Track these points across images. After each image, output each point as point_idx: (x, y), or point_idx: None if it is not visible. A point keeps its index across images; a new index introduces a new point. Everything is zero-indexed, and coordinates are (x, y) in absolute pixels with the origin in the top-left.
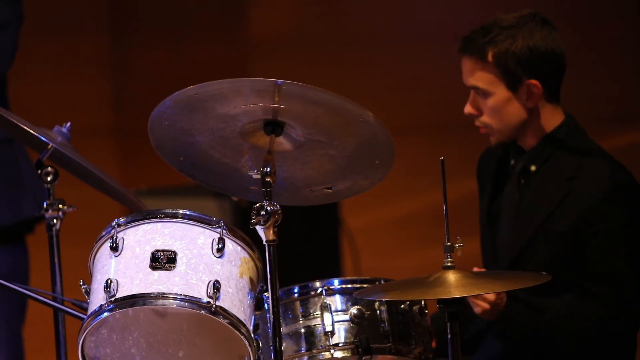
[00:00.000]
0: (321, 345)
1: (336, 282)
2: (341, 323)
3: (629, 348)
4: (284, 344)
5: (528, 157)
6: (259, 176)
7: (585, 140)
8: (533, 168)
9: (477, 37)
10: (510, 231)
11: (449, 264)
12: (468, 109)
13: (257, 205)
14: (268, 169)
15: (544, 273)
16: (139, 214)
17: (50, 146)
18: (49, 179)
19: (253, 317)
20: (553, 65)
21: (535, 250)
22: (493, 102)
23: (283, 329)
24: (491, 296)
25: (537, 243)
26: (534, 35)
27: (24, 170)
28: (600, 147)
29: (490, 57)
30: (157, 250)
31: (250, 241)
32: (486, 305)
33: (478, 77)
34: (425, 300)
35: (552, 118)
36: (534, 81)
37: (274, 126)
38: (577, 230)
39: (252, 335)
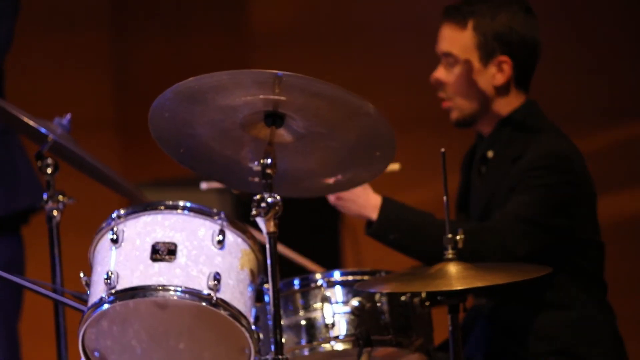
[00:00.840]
0: (322, 337)
1: (337, 274)
2: (342, 315)
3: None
4: (284, 336)
5: (486, 144)
6: (259, 168)
7: (540, 123)
8: (490, 154)
9: (461, 6)
10: (475, 219)
11: (450, 255)
12: (436, 74)
13: (258, 197)
14: (269, 161)
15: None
16: (139, 206)
17: (50, 138)
18: (49, 170)
19: (253, 309)
20: (528, 51)
21: None
22: (462, 70)
23: (283, 321)
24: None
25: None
26: (516, 17)
27: (19, 162)
28: (555, 127)
29: (470, 26)
30: (157, 242)
31: (251, 233)
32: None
33: (453, 43)
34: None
35: (513, 103)
36: (506, 58)
37: (274, 118)
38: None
39: (253, 327)
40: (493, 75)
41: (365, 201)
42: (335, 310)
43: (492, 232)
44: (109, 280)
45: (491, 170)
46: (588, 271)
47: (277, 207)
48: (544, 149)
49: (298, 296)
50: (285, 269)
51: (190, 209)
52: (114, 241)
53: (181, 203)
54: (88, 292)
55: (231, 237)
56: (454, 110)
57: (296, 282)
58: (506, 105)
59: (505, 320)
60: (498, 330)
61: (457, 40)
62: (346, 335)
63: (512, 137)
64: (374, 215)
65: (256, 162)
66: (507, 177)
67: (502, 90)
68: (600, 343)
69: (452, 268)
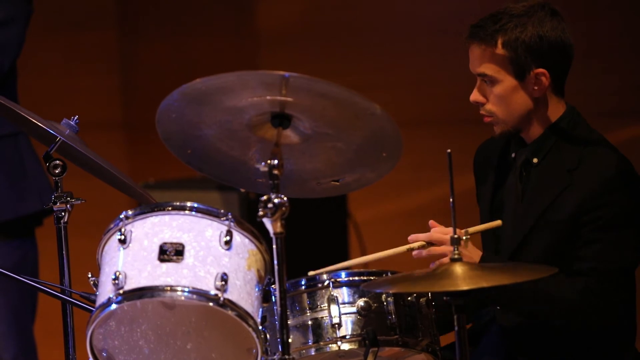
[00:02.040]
0: (328, 338)
1: (343, 275)
2: (348, 315)
3: (623, 332)
4: (291, 336)
5: (530, 150)
6: (266, 169)
7: (587, 131)
8: (535, 160)
9: (487, 24)
10: (511, 222)
11: (456, 256)
12: (474, 96)
13: (265, 197)
14: (275, 162)
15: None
16: (147, 207)
17: (58, 139)
18: (57, 171)
19: (260, 310)
20: (561, 56)
21: (535, 241)
22: (500, 89)
23: (290, 321)
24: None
25: (537, 233)
26: (544, 25)
27: (28, 165)
28: (603, 137)
29: (499, 45)
30: (165, 243)
31: (258, 234)
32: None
33: (486, 64)
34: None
35: (556, 110)
36: (542, 70)
37: (281, 119)
38: (574, 219)
39: (260, 328)
40: (531, 89)
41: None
42: (341, 311)
43: (603, 299)
44: (116, 281)
45: (539, 177)
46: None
47: (283, 208)
48: (611, 166)
49: (305, 296)
50: (292, 270)
51: (197, 210)
52: (122, 242)
53: (189, 204)
54: (96, 292)
55: (238, 237)
56: (496, 125)
57: (303, 282)
58: (548, 113)
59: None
60: (516, 336)
61: (488, 60)
62: (352, 336)
63: (559, 145)
64: None
65: (263, 163)
66: (571, 190)
67: (541, 100)
68: (624, 353)
69: (458, 268)
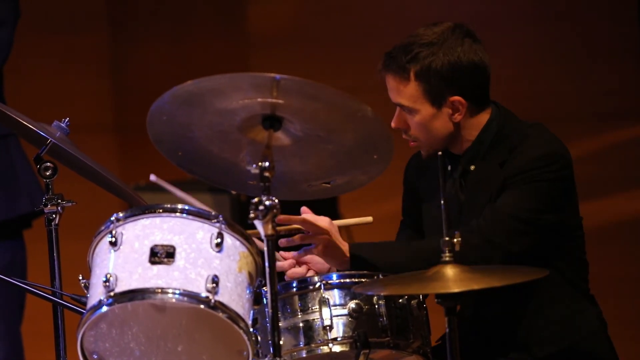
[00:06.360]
0: (319, 340)
1: (334, 277)
2: (339, 317)
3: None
4: (282, 338)
5: (465, 159)
6: (257, 171)
7: (518, 125)
8: (472, 168)
9: (399, 54)
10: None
11: (447, 258)
12: (395, 123)
13: (256, 199)
14: (266, 164)
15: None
16: (138, 209)
17: (49, 141)
18: (48, 174)
19: (252, 312)
20: (476, 78)
21: None
22: (419, 118)
23: (281, 323)
24: (325, 223)
25: None
26: (454, 51)
27: (18, 167)
28: (535, 126)
29: (412, 75)
30: (156, 245)
31: (249, 236)
32: (326, 236)
33: (402, 95)
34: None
35: (481, 120)
36: (457, 98)
37: (272, 121)
38: None
39: (251, 330)
40: (449, 115)
41: (336, 252)
42: (333, 313)
43: (479, 232)
44: (107, 283)
45: (475, 180)
46: (573, 254)
47: (275, 210)
48: (537, 151)
49: (296, 299)
50: (283, 272)
51: (188, 212)
52: (113, 244)
53: (180, 206)
54: (87, 294)
55: (229, 239)
56: (422, 148)
57: (294, 284)
58: (474, 127)
59: (496, 327)
60: (490, 337)
61: (403, 92)
62: (344, 338)
63: (492, 146)
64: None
65: (254, 165)
66: (496, 180)
67: (463, 121)
68: (594, 335)
69: (449, 271)
